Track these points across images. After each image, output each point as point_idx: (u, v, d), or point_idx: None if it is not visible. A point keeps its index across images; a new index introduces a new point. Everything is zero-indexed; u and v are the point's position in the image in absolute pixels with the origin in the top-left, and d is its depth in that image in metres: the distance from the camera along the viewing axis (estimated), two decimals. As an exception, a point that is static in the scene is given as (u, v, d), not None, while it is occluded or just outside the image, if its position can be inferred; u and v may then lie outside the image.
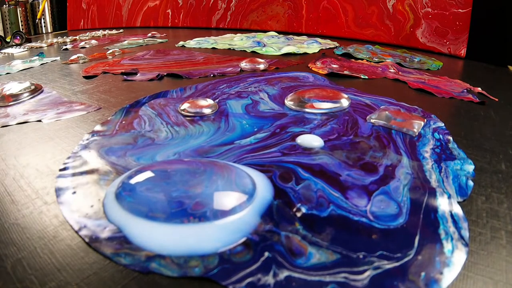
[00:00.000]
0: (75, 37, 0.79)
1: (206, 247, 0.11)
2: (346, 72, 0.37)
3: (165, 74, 0.37)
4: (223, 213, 0.13)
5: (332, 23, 0.68)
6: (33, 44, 0.74)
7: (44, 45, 0.70)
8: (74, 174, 0.16)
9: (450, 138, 0.21)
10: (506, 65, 0.47)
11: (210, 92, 0.29)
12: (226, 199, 0.13)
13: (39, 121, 0.25)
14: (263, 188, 0.15)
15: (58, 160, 0.18)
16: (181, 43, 0.61)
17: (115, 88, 0.33)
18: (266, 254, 0.11)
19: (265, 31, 0.75)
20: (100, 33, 0.85)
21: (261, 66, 0.39)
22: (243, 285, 0.10)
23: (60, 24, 1.15)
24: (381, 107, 0.25)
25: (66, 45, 0.65)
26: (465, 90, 0.32)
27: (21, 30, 1.04)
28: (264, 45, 0.55)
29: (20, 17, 1.07)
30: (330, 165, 0.17)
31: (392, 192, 0.15)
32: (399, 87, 0.33)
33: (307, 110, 0.24)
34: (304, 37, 0.65)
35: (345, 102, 0.25)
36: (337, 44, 0.58)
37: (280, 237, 0.12)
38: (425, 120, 0.23)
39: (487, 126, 0.24)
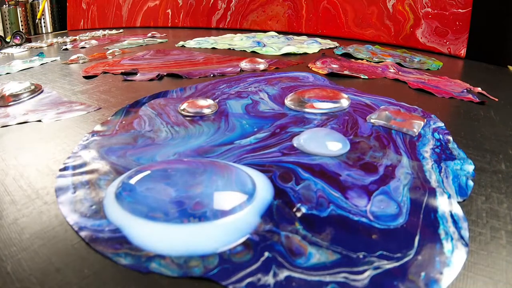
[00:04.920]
0: (75, 37, 0.79)
1: (206, 247, 0.11)
2: (346, 72, 0.37)
3: (165, 74, 0.37)
4: (223, 213, 0.13)
5: (332, 23, 0.68)
6: (33, 44, 0.74)
7: (44, 45, 0.70)
8: (74, 174, 0.16)
9: (450, 138, 0.21)
10: (506, 65, 0.47)
11: (210, 92, 0.29)
12: (226, 199, 0.13)
13: (39, 121, 0.25)
14: (263, 188, 0.15)
15: (58, 160, 0.18)
16: (181, 43, 0.61)
17: (115, 88, 0.33)
18: (266, 254, 0.11)
19: (265, 31, 0.75)
20: (100, 33, 0.85)
21: (261, 66, 0.39)
22: (243, 285, 0.10)
23: (60, 24, 1.15)
24: (381, 107, 0.25)
25: (66, 45, 0.65)
26: (465, 90, 0.32)
27: (21, 30, 1.04)
28: (264, 45, 0.55)
29: (20, 17, 1.07)
30: (330, 165, 0.17)
31: (392, 192, 0.15)
32: (399, 87, 0.33)
33: (307, 110, 0.24)
34: (304, 37, 0.65)
35: (345, 102, 0.25)
36: (337, 44, 0.58)
37: (280, 237, 0.12)
38: (425, 120, 0.23)
39: (487, 126, 0.24)
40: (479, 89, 0.33)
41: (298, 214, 0.13)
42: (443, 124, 0.23)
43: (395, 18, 0.59)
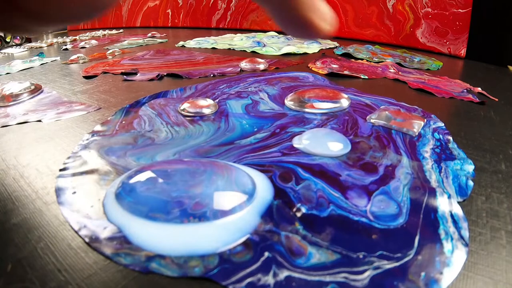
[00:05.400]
0: (75, 37, 0.79)
1: (206, 247, 0.11)
2: (346, 72, 0.37)
3: (165, 74, 0.37)
4: (223, 213, 0.13)
5: (332, 23, 0.68)
6: (33, 44, 0.74)
7: (44, 45, 0.70)
8: (74, 174, 0.16)
9: (450, 138, 0.21)
10: (506, 65, 0.47)
11: (210, 92, 0.29)
12: (226, 199, 0.13)
13: (39, 121, 0.25)
14: (263, 188, 0.15)
15: (58, 160, 0.18)
16: (181, 43, 0.61)
17: (115, 88, 0.33)
18: (266, 254, 0.11)
19: (265, 31, 0.75)
20: (100, 33, 0.85)
21: (261, 66, 0.39)
22: (243, 285, 0.10)
23: (60, 24, 1.15)
24: (381, 107, 0.25)
25: (66, 45, 0.65)
26: (465, 90, 0.32)
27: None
28: (264, 45, 0.55)
29: (20, 17, 1.06)
30: (330, 165, 0.17)
31: (392, 192, 0.15)
32: (399, 87, 0.33)
33: (307, 110, 0.24)
34: (304, 37, 0.64)
35: (345, 102, 0.25)
36: (337, 44, 0.58)
37: (280, 237, 0.12)
38: (425, 120, 0.23)
39: (487, 126, 0.24)
40: (479, 89, 0.33)
41: (298, 214, 0.13)
42: (443, 124, 0.23)
43: (395, 18, 0.59)
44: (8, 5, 0.08)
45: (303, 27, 0.15)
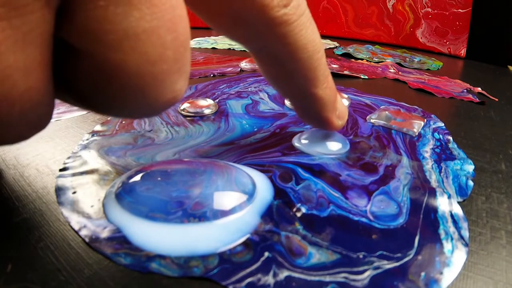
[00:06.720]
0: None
1: (206, 247, 0.11)
2: (346, 72, 0.37)
3: (165, 74, 0.37)
4: (223, 213, 0.13)
5: (332, 23, 0.68)
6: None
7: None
8: (74, 174, 0.16)
9: (450, 138, 0.21)
10: (506, 65, 0.47)
11: (210, 92, 0.29)
12: (226, 199, 0.13)
13: (39, 121, 0.25)
14: (263, 188, 0.15)
15: (58, 160, 0.18)
16: (181, 43, 0.61)
17: (115, 88, 0.33)
18: (266, 254, 0.11)
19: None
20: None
21: (261, 66, 0.39)
22: (243, 285, 0.10)
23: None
24: (381, 107, 0.25)
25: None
26: (465, 90, 0.32)
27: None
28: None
29: (20, 17, 1.06)
30: (330, 165, 0.17)
31: (392, 192, 0.15)
32: (399, 87, 0.33)
33: (307, 110, 0.24)
34: (304, 37, 0.64)
35: (345, 102, 0.25)
36: (337, 44, 0.58)
37: (280, 237, 0.12)
38: (425, 120, 0.23)
39: (487, 126, 0.24)
40: (479, 89, 0.33)
41: (298, 214, 0.13)
42: (443, 124, 0.23)
43: (395, 18, 0.59)
44: (67, 94, 0.09)
45: (320, 123, 0.16)
